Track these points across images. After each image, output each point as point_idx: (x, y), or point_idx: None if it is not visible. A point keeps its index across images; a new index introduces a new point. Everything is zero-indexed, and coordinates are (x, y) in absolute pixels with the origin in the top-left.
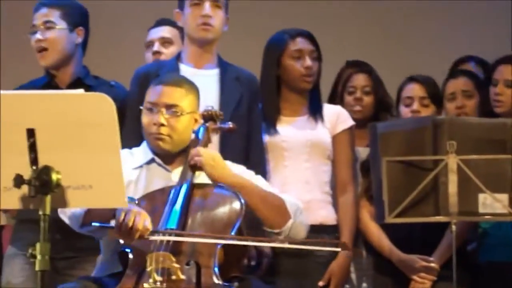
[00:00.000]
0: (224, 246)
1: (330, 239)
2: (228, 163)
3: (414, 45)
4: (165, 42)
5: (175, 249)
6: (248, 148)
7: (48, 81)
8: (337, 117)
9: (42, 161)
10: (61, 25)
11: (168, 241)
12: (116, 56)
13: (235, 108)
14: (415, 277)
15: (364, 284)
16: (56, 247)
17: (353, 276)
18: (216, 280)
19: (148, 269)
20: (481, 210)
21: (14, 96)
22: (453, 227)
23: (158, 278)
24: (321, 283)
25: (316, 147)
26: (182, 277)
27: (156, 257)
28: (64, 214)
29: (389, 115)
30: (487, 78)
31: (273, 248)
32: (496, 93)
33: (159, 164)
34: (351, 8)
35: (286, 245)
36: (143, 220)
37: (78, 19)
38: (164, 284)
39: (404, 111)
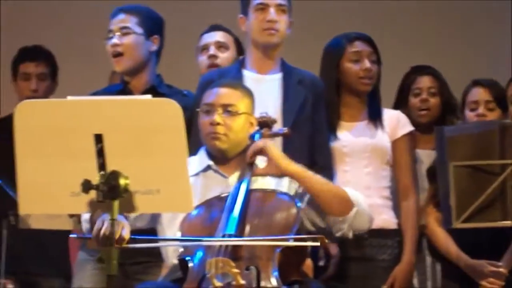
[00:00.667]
0: (283, 249)
1: (391, 243)
2: None
3: (475, 47)
4: (221, 46)
5: (234, 254)
6: (313, 150)
7: (123, 88)
8: (397, 122)
9: (110, 166)
10: (138, 31)
11: (227, 247)
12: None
13: (299, 111)
14: (483, 283)
15: None
16: (127, 252)
17: (415, 281)
18: (276, 284)
19: (208, 275)
20: None
21: (82, 102)
22: None
23: (218, 283)
24: None
25: (376, 153)
26: (242, 282)
27: (216, 263)
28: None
29: (455, 118)
30: None
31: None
32: None
33: (216, 171)
34: (412, 10)
35: (268, 242)
36: (120, 229)
37: (154, 27)
38: None
39: (470, 115)
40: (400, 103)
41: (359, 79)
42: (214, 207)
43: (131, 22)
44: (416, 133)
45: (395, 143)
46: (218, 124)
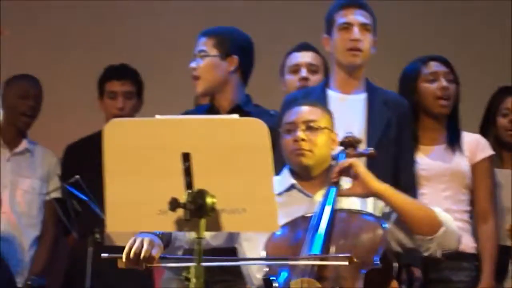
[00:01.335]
0: (368, 270)
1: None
2: None
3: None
4: (313, 69)
5: (320, 274)
6: (397, 171)
7: (210, 107)
8: (477, 146)
9: (197, 185)
10: (213, 53)
11: (312, 267)
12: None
13: (383, 132)
14: None
15: None
16: (213, 270)
17: None
18: None
19: None
20: None
21: (171, 120)
22: None
23: None
24: None
25: (455, 176)
26: None
27: (301, 283)
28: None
29: None
30: None
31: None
32: None
33: (300, 190)
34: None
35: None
36: (150, 248)
37: (232, 47)
38: None
39: (503, 122)
40: (488, 123)
41: (436, 100)
42: (298, 227)
43: (208, 44)
44: (503, 152)
45: (474, 166)
46: (302, 140)
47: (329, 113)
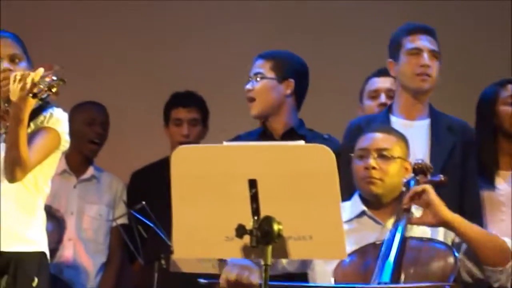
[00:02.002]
0: None
1: None
2: None
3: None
4: (391, 95)
5: None
6: (461, 198)
7: (263, 131)
8: None
9: (264, 211)
10: (270, 76)
11: None
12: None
13: (448, 158)
14: None
15: None
16: None
17: None
18: None
19: None
20: None
21: (237, 147)
22: None
23: None
24: None
25: None
26: None
27: None
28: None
29: None
30: None
31: None
32: None
33: (370, 217)
34: None
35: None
36: (249, 274)
37: (288, 71)
38: None
39: None
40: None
41: None
42: (368, 254)
43: (265, 67)
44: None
45: None
46: (373, 168)
47: (404, 140)
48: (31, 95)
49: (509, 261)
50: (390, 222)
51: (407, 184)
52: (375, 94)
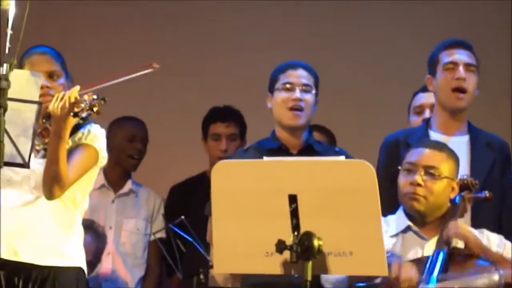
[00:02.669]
0: None
1: None
2: (485, 232)
3: None
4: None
5: None
6: (499, 215)
7: (279, 146)
8: None
9: (304, 227)
10: (314, 91)
11: None
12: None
13: (487, 174)
14: None
15: None
16: None
17: None
18: None
19: None
20: None
21: (277, 162)
22: None
23: None
24: None
25: None
26: None
27: None
28: (328, 281)
29: None
30: None
31: None
32: None
33: (415, 232)
34: None
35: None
36: (407, 270)
37: (318, 90)
38: None
39: None
40: None
41: None
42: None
43: (311, 81)
44: None
45: None
46: (418, 185)
47: (454, 159)
48: (72, 114)
49: None
50: (435, 239)
51: (453, 201)
52: (420, 110)
